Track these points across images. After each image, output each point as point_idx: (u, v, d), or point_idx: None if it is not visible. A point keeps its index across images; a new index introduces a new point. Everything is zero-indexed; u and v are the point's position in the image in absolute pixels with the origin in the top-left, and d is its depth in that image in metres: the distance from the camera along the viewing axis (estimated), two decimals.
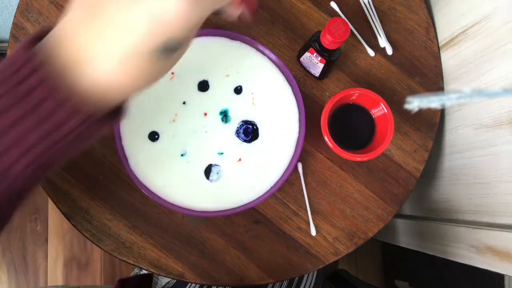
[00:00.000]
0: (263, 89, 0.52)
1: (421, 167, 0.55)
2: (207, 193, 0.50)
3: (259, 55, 0.52)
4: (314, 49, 0.49)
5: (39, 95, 0.27)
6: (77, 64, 0.28)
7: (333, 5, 0.56)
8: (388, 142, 0.48)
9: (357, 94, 0.50)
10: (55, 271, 1.19)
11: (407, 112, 0.55)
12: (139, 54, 0.27)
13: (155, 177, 0.49)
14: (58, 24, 0.29)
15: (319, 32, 0.48)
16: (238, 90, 0.52)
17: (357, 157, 0.49)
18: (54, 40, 0.28)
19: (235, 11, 0.38)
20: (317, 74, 0.53)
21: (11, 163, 0.29)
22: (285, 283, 0.63)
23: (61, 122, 0.28)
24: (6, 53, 0.52)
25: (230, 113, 0.51)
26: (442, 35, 0.56)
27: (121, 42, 0.27)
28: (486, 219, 0.53)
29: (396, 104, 0.55)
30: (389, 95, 0.55)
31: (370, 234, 0.53)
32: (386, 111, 0.49)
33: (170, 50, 0.29)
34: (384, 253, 1.25)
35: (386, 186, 0.54)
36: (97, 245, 0.51)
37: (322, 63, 0.50)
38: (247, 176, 0.50)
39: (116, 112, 0.32)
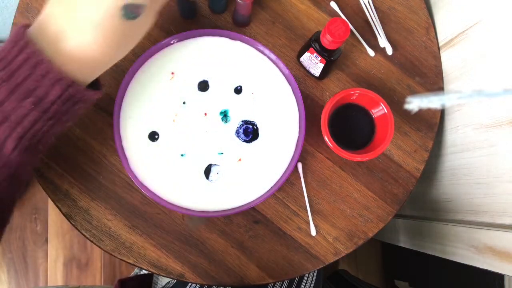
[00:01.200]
0: (263, 89, 0.52)
1: (421, 167, 0.55)
2: (207, 193, 0.50)
3: (259, 55, 0.52)
4: (314, 49, 0.49)
5: (26, 70, 0.31)
6: (55, 40, 0.33)
7: (333, 5, 0.56)
8: (388, 142, 0.48)
9: (357, 94, 0.50)
10: (55, 271, 1.19)
11: (407, 112, 0.55)
12: (106, 19, 0.32)
13: (155, 177, 0.49)
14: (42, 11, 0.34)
15: (319, 32, 0.48)
16: (238, 90, 0.52)
17: (357, 157, 0.49)
18: (36, 23, 0.33)
19: None
20: (317, 74, 0.53)
21: (3, 139, 0.32)
22: (285, 283, 0.63)
23: (46, 91, 0.32)
24: None
25: (230, 113, 0.51)
26: (442, 35, 0.56)
27: (89, 13, 0.32)
28: (486, 219, 0.53)
29: (396, 104, 0.55)
30: (389, 95, 0.55)
31: (370, 234, 0.53)
32: (386, 111, 0.49)
33: (133, 13, 0.33)
34: (384, 253, 1.25)
35: (386, 186, 0.54)
36: (97, 245, 0.51)
37: (322, 63, 0.50)
38: (247, 176, 0.50)
39: (95, 87, 0.37)
